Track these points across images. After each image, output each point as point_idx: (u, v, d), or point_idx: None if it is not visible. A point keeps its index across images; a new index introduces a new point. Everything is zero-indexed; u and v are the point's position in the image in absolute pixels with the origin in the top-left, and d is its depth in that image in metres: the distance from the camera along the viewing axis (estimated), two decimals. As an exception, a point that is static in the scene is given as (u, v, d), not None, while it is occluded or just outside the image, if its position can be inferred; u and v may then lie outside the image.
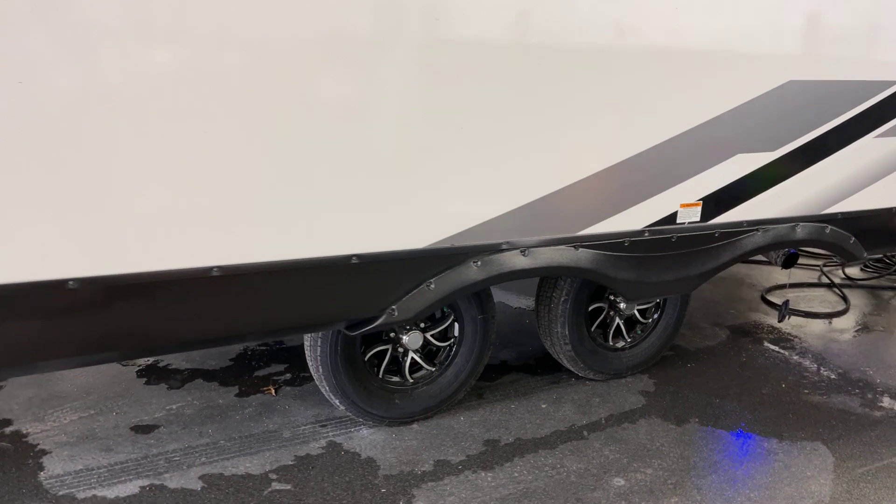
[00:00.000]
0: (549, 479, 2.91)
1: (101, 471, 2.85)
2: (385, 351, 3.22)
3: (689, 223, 3.09)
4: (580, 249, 2.91)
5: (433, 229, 2.60)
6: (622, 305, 3.66)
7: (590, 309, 3.62)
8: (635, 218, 2.96)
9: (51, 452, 2.96)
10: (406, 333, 3.17)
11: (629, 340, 3.80)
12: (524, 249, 2.83)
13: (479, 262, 2.74)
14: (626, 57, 2.76)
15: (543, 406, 3.51)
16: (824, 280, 5.63)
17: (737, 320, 4.77)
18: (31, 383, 3.51)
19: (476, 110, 2.58)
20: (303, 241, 2.39)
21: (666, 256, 3.11)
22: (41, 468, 2.85)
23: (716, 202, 3.11)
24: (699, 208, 3.07)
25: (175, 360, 3.84)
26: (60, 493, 2.71)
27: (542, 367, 3.87)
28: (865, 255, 3.62)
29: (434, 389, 3.30)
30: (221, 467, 2.91)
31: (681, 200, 3.02)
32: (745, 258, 3.38)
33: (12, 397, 3.38)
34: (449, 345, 3.34)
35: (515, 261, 2.83)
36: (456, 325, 3.30)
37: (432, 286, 2.69)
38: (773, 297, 5.18)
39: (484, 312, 3.28)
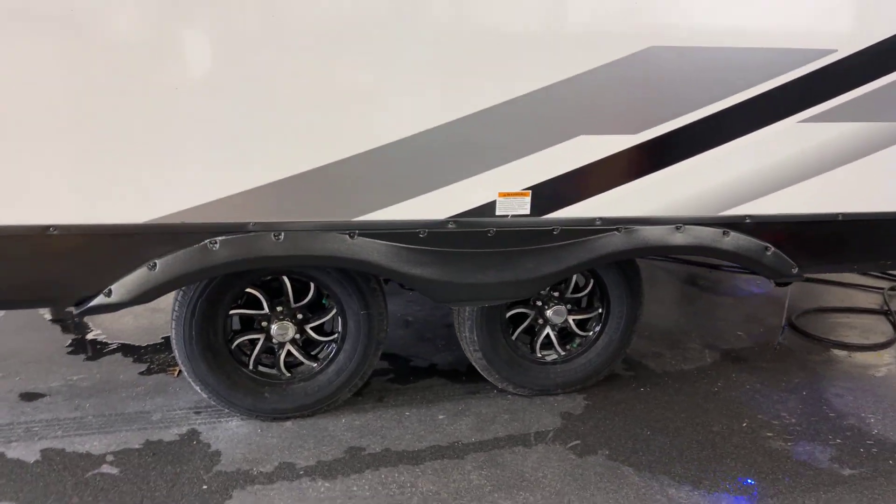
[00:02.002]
0: (387, 499, 2.58)
1: (-38, 433, 2.91)
2: (257, 340, 3.03)
3: (514, 216, 2.58)
4: (357, 238, 2.51)
5: (155, 202, 2.31)
6: (549, 313, 3.22)
7: (510, 314, 3.22)
8: (435, 205, 2.50)
9: (-66, 410, 3.07)
10: (276, 322, 2.96)
11: (562, 354, 3.34)
12: (277, 233, 2.49)
13: (217, 244, 2.45)
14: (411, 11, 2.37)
15: (441, 417, 3.16)
16: (890, 306, 4.71)
17: (738, 344, 4.07)
18: (-31, 343, 3.70)
19: (201, 62, 2.25)
20: None
21: (483, 254, 2.62)
22: (-86, 424, 2.96)
23: (552, 193, 2.57)
24: (527, 199, 2.55)
25: (109, 334, 3.89)
26: (-89, 450, 2.79)
27: (471, 376, 3.50)
28: (795, 271, 2.87)
29: (311, 387, 3.07)
30: (68, 443, 2.86)
31: (499, 188, 2.52)
32: (604, 262, 2.80)
33: (-58, 354, 3.56)
34: (332, 340, 3.09)
35: (264, 245, 2.49)
36: (340, 319, 3.05)
37: (156, 268, 2.43)
38: (802, 323, 4.40)
39: (367, 308, 2.99)
